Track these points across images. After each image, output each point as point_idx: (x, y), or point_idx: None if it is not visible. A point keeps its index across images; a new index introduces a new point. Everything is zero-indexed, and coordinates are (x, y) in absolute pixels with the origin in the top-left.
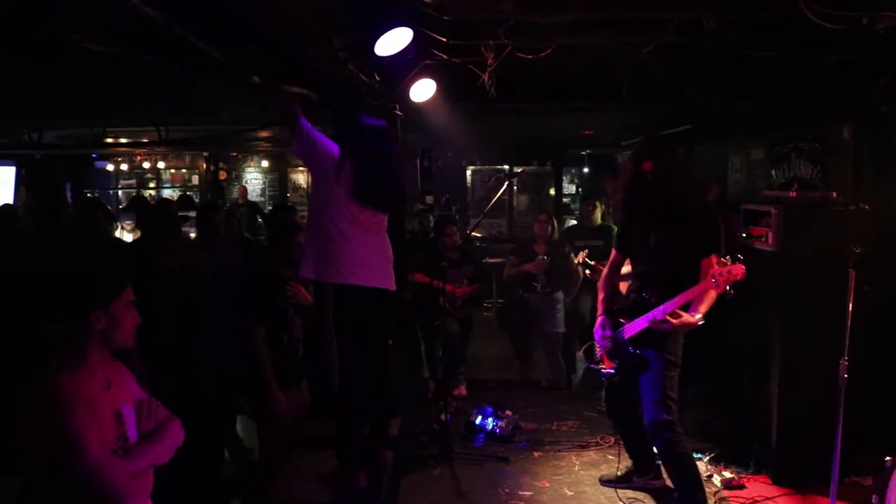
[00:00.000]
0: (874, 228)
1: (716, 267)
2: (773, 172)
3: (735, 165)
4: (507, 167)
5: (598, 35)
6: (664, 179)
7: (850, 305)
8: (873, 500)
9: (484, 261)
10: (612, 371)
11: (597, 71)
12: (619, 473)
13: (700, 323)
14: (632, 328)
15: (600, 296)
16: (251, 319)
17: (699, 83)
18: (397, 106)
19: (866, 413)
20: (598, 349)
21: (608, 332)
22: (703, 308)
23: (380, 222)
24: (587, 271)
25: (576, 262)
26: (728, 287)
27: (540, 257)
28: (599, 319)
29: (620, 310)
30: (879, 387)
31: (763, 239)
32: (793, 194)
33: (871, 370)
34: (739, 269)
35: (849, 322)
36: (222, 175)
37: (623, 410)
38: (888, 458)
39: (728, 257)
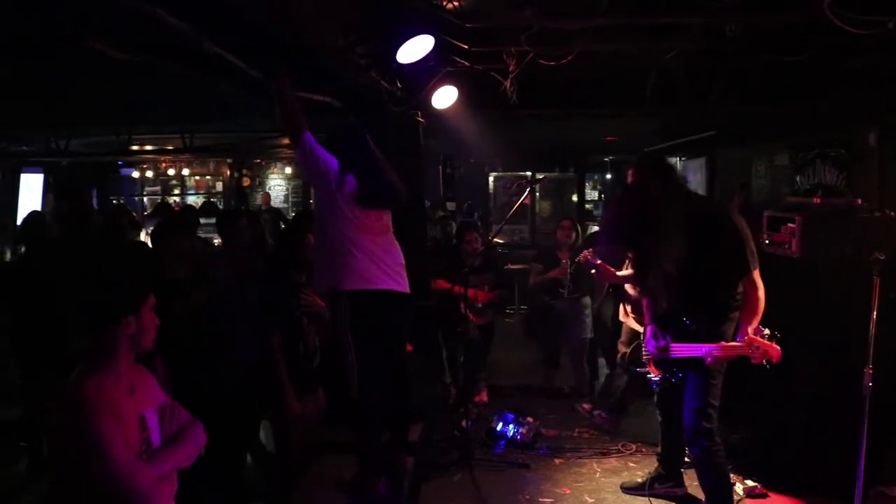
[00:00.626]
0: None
1: (756, 339)
2: (798, 178)
3: (759, 171)
4: (529, 173)
5: (620, 41)
6: (668, 198)
7: (875, 313)
8: None
9: (506, 267)
10: (659, 378)
11: (619, 76)
12: (639, 480)
13: None
14: (679, 351)
15: (643, 303)
16: (267, 326)
17: (722, 88)
18: (419, 113)
19: (891, 422)
20: (645, 355)
21: (661, 343)
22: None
23: (385, 223)
24: (592, 270)
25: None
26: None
27: (564, 262)
28: (651, 329)
29: (665, 324)
30: None
31: (786, 246)
32: (817, 201)
33: None
34: (775, 352)
35: (873, 330)
36: (246, 182)
37: (672, 409)
38: None
39: (768, 332)
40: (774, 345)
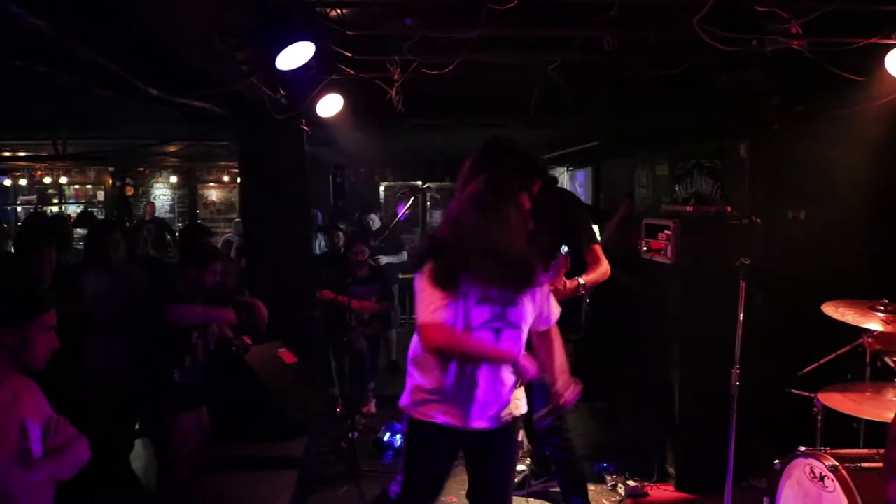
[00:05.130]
0: (767, 241)
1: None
2: (677, 188)
3: (641, 181)
4: (420, 183)
5: (502, 52)
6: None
7: (741, 316)
8: (765, 502)
9: (399, 277)
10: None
11: (504, 87)
12: (515, 479)
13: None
14: None
15: None
16: (156, 339)
17: (604, 101)
18: (303, 121)
19: (762, 419)
20: None
21: None
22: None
23: None
24: None
25: None
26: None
27: None
28: None
29: None
30: (774, 394)
31: (662, 252)
32: (689, 209)
33: (766, 378)
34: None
35: (740, 332)
36: (129, 191)
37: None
38: (777, 461)
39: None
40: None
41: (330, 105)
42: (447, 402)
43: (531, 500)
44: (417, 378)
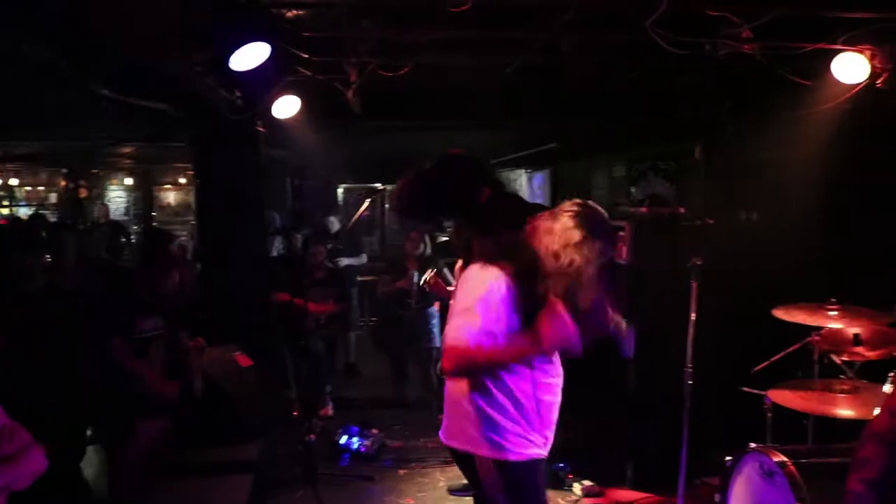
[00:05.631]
0: (720, 242)
1: None
2: (633, 189)
3: (598, 183)
4: (379, 185)
5: (460, 54)
6: None
7: (693, 315)
8: (716, 499)
9: (357, 279)
10: None
11: (463, 89)
12: (465, 481)
13: None
14: None
15: None
16: (113, 342)
17: (560, 103)
18: (260, 122)
19: (716, 418)
20: None
21: None
22: None
23: None
24: (425, 283)
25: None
26: None
27: (412, 272)
28: None
29: None
30: (726, 393)
31: (618, 253)
32: (644, 210)
33: (719, 377)
34: None
35: (691, 331)
36: (82, 193)
37: None
38: (728, 458)
39: None
40: None
41: (286, 106)
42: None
43: None
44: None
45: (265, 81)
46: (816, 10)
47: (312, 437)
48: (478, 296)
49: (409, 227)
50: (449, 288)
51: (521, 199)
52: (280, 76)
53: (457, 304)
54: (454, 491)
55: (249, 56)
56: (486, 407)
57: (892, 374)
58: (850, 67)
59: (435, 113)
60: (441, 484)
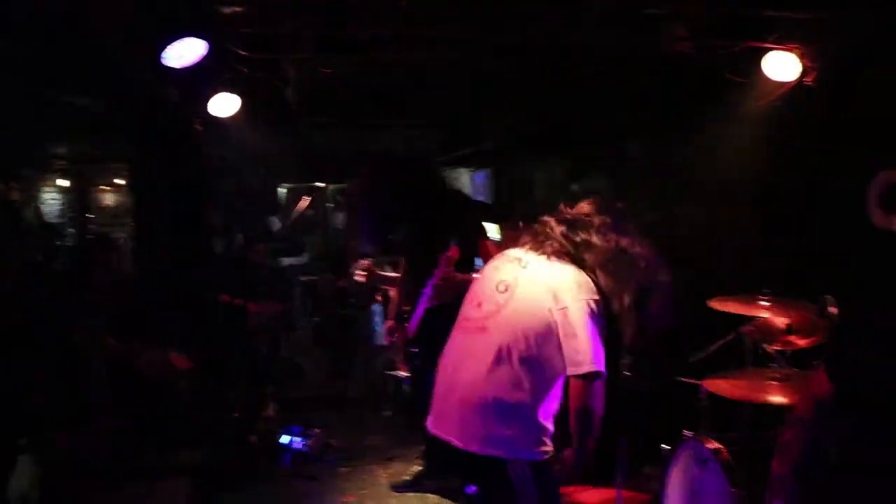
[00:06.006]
0: (658, 237)
1: None
2: (575, 187)
3: (540, 181)
4: (322, 184)
5: (398, 52)
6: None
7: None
8: (656, 488)
9: (300, 278)
10: (407, 376)
11: (402, 87)
12: (407, 478)
13: None
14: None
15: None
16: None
17: (500, 102)
18: (198, 120)
19: (653, 409)
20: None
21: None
22: None
23: None
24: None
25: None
26: None
27: (350, 271)
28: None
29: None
30: (664, 384)
31: None
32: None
33: (656, 368)
34: None
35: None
36: (13, 195)
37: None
38: (665, 448)
39: None
40: None
41: (225, 104)
42: None
43: (428, 496)
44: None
45: (203, 78)
46: (753, 8)
47: (254, 437)
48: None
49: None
50: (389, 274)
51: (469, 198)
52: (218, 73)
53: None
54: (397, 487)
55: (186, 52)
56: (541, 417)
57: (815, 361)
58: (781, 65)
59: (378, 111)
60: (383, 481)
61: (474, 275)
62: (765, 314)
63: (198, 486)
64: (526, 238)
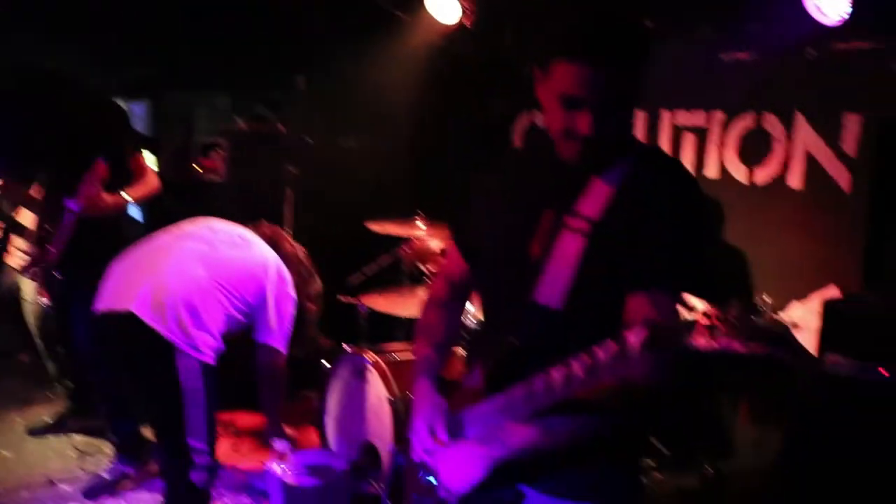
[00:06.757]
0: (320, 167)
1: None
2: (238, 120)
3: (202, 114)
4: None
5: None
6: None
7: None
8: (315, 405)
9: None
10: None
11: None
12: (49, 420)
13: None
14: None
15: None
16: None
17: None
18: None
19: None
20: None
21: None
22: None
23: None
24: None
25: None
26: None
27: None
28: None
29: None
30: (326, 303)
31: (216, 171)
32: (243, 126)
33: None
34: None
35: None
36: None
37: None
38: (325, 363)
39: None
40: None
41: None
42: None
43: (74, 436)
44: None
45: None
46: None
47: None
48: None
49: None
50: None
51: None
52: None
53: None
54: (36, 431)
55: None
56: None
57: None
58: (443, 6)
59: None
60: (19, 428)
61: (123, 194)
62: (419, 234)
63: None
64: None
